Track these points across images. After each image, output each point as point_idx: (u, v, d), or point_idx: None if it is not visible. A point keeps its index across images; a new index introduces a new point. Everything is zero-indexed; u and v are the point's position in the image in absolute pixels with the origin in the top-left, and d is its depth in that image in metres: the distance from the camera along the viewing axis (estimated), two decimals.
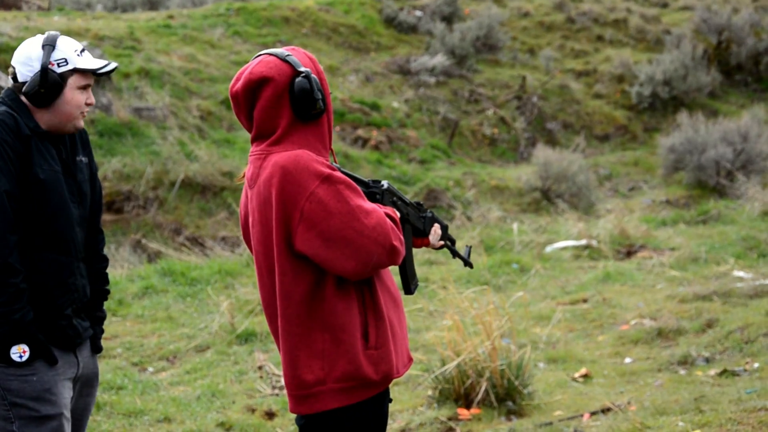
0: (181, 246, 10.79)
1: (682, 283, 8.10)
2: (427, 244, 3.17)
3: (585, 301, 7.97)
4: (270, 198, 2.72)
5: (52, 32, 3.14)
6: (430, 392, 5.69)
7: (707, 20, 20.00)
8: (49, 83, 3.06)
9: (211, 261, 9.35)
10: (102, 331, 3.35)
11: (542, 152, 14.53)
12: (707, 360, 6.14)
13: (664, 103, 18.10)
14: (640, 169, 16.28)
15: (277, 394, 5.91)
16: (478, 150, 16.65)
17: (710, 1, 21.58)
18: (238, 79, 2.81)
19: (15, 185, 2.99)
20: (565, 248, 9.89)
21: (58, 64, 3.08)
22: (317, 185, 2.68)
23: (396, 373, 2.83)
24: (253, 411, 5.63)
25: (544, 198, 13.89)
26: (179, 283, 8.47)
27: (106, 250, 3.47)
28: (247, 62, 2.86)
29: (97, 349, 3.31)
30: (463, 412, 5.43)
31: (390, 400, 2.89)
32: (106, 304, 3.46)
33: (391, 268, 2.90)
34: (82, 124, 3.18)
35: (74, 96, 3.12)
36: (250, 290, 7.97)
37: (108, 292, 3.38)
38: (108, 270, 3.43)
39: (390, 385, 2.88)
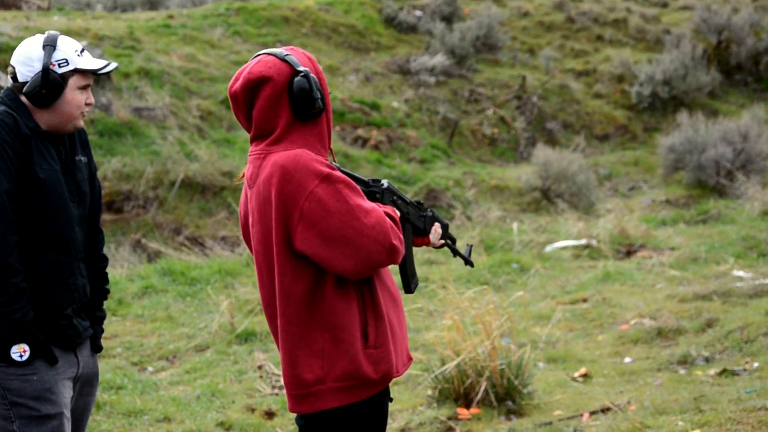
0: (181, 246, 10.79)
1: (682, 282, 8.10)
2: (428, 243, 3.17)
3: (585, 300, 7.96)
4: (269, 197, 2.72)
5: (52, 32, 3.13)
6: (429, 392, 5.69)
7: (707, 20, 19.99)
8: (50, 84, 3.06)
9: (210, 261, 9.35)
10: (102, 331, 3.35)
11: (542, 152, 14.52)
12: (707, 359, 6.14)
13: (664, 103, 18.09)
14: (640, 169, 16.27)
15: (276, 394, 5.91)
16: (478, 150, 16.64)
17: (710, 1, 21.57)
18: (236, 79, 2.81)
19: (15, 185, 2.99)
20: (565, 248, 9.89)
21: (59, 64, 3.07)
22: (316, 184, 2.68)
23: (396, 372, 2.83)
24: (252, 411, 5.63)
25: (544, 198, 13.89)
26: (179, 283, 8.47)
27: (106, 250, 3.48)
28: (247, 62, 2.86)
29: (97, 348, 3.31)
30: (463, 412, 5.43)
31: (390, 399, 2.89)
32: (106, 304, 3.47)
33: (390, 267, 2.90)
34: (81, 123, 3.19)
35: (74, 96, 3.12)
36: (249, 290, 7.97)
37: (108, 291, 3.38)
38: (108, 270, 3.43)
39: (390, 385, 2.88)
